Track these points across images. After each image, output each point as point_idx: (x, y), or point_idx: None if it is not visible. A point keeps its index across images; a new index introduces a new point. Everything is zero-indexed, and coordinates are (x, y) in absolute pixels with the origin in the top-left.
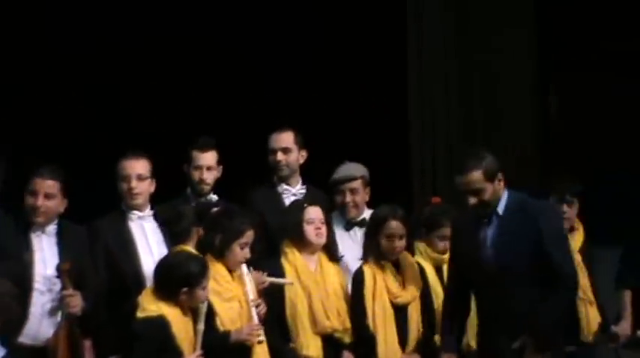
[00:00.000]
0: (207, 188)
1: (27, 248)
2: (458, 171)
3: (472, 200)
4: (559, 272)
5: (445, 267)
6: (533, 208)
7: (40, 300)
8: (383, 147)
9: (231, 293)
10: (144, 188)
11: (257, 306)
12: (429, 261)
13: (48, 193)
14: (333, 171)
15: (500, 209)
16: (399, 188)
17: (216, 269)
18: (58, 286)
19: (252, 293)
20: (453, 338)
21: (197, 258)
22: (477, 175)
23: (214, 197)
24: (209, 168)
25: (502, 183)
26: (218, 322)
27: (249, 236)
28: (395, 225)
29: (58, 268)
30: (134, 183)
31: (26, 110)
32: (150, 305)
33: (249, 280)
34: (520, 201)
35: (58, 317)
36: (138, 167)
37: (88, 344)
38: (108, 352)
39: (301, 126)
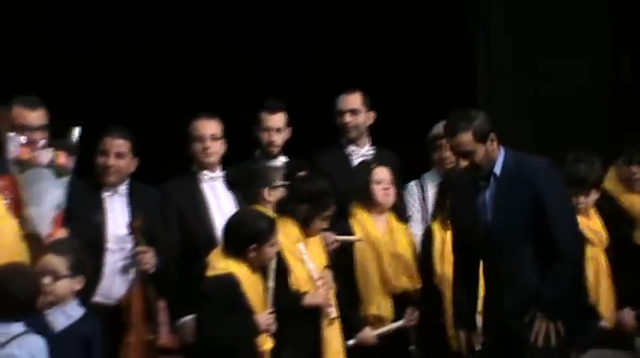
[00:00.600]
0: (276, 150)
1: (99, 208)
2: (447, 133)
3: (463, 163)
4: (558, 244)
5: None
6: (530, 167)
7: (113, 259)
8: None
9: (305, 256)
10: (217, 148)
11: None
12: None
13: (118, 152)
14: (401, 132)
15: (498, 170)
16: None
17: (293, 232)
18: (129, 245)
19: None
20: (466, 314)
21: (265, 216)
22: (466, 137)
23: (283, 159)
24: (278, 130)
25: (495, 144)
26: (292, 279)
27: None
28: None
29: (130, 225)
30: (208, 143)
31: (96, 71)
32: (219, 264)
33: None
34: (516, 159)
35: (132, 275)
36: (211, 127)
37: (162, 304)
38: (181, 313)
39: (370, 87)
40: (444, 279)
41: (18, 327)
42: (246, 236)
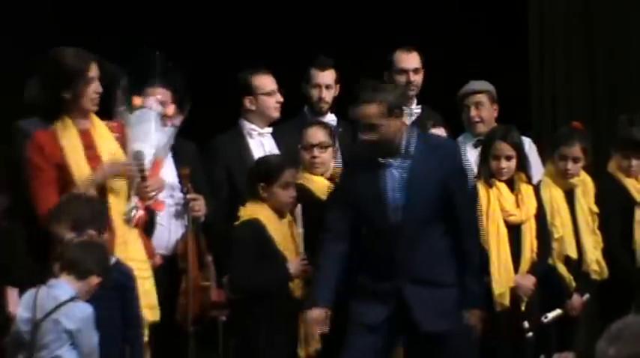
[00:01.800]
0: (325, 106)
1: None
2: (353, 103)
3: (367, 136)
4: (467, 225)
5: (577, 191)
6: (440, 146)
7: (165, 207)
8: (503, 80)
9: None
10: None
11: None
12: (559, 186)
13: (162, 101)
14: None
15: (405, 149)
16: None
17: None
18: (178, 193)
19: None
20: (326, 291)
21: (279, 156)
22: (373, 109)
23: (332, 116)
24: (328, 87)
25: (404, 121)
26: None
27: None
28: (501, 146)
29: (179, 173)
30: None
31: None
32: (245, 211)
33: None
34: (426, 139)
35: (185, 221)
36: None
37: (209, 259)
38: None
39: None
40: (489, 238)
41: (67, 291)
42: (255, 174)
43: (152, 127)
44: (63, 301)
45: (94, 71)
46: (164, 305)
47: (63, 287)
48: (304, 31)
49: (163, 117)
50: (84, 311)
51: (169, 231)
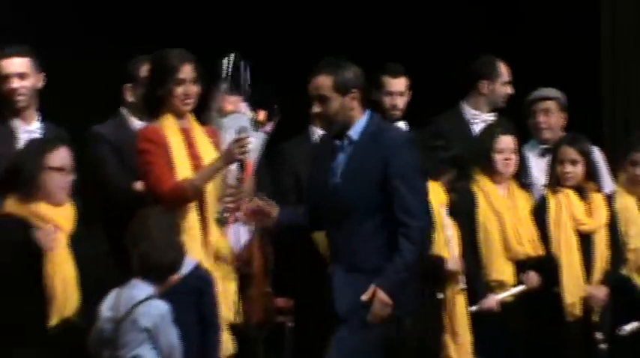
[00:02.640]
0: (398, 114)
1: None
2: (310, 74)
3: (316, 108)
4: (402, 216)
5: None
6: (387, 137)
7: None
8: (574, 88)
9: (445, 221)
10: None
11: None
12: (632, 194)
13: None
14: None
15: (354, 133)
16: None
17: (440, 196)
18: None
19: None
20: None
21: None
22: (326, 81)
23: (403, 123)
24: (400, 94)
25: (356, 103)
26: None
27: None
28: (567, 150)
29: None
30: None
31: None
32: None
33: None
34: (378, 127)
35: (252, 226)
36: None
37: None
38: None
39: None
40: (560, 247)
41: (145, 291)
42: None
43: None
44: (139, 300)
45: (186, 72)
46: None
47: (141, 286)
48: (373, 38)
49: (255, 123)
50: (159, 308)
51: (236, 236)
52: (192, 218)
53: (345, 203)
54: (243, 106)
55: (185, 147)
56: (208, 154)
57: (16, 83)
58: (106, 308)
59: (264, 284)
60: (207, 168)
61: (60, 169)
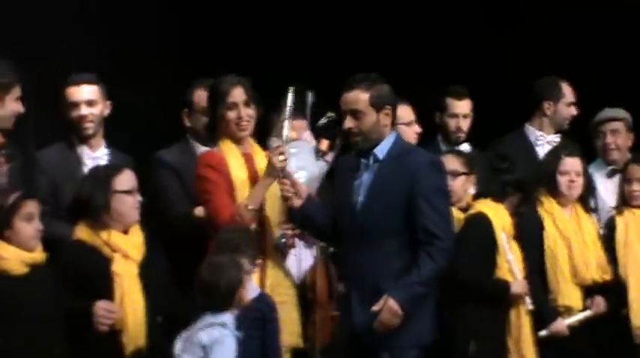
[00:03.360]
0: (462, 136)
1: None
2: (345, 87)
3: (348, 123)
4: (427, 236)
5: None
6: (414, 159)
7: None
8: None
9: (506, 245)
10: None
11: None
12: None
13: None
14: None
15: (380, 152)
16: None
17: (506, 220)
18: None
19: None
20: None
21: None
22: (361, 95)
23: (466, 146)
24: (465, 117)
25: (389, 120)
26: None
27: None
28: (634, 169)
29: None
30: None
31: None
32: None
33: None
34: (404, 148)
35: (314, 251)
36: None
37: (340, 287)
38: None
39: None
40: (628, 269)
41: (213, 318)
42: None
43: (307, 158)
44: (212, 322)
45: (236, 96)
46: None
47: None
48: (435, 60)
49: (317, 152)
50: (222, 333)
51: (300, 259)
52: None
53: (369, 222)
54: (307, 134)
55: (246, 172)
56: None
57: (84, 110)
58: (178, 349)
59: (328, 308)
60: (257, 187)
61: (128, 192)
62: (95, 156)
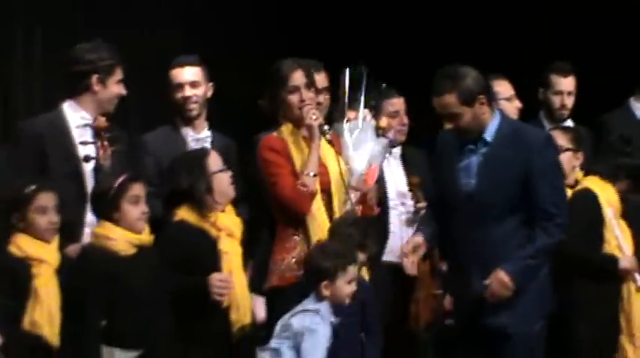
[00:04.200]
0: (566, 113)
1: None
2: (432, 91)
3: (448, 125)
4: (544, 212)
5: None
6: (528, 137)
7: (396, 215)
8: None
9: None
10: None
11: None
12: None
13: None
14: None
15: (489, 135)
16: None
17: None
18: (409, 201)
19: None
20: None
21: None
22: (450, 98)
23: (570, 122)
24: (569, 94)
25: (485, 107)
26: None
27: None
28: None
29: (409, 182)
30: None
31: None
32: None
33: None
34: (515, 128)
35: (414, 229)
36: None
37: (442, 266)
38: None
39: None
40: None
41: (310, 304)
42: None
43: (367, 137)
44: (305, 308)
45: (297, 80)
46: (399, 311)
47: (323, 303)
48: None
49: (377, 129)
50: (314, 321)
51: (402, 238)
52: (321, 219)
53: (484, 204)
54: (365, 113)
55: (305, 153)
56: (330, 160)
57: (188, 91)
58: (279, 329)
59: (431, 287)
60: (310, 154)
61: (222, 170)
62: (199, 137)
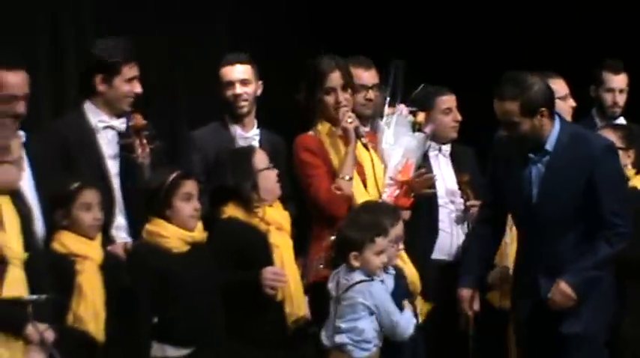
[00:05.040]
0: (618, 111)
1: (428, 166)
2: (496, 95)
3: (506, 131)
4: (606, 222)
5: None
6: (589, 146)
7: (446, 213)
8: None
9: None
10: None
11: None
12: None
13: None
14: None
15: (550, 145)
16: None
17: None
18: (458, 199)
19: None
20: (472, 278)
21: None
22: (512, 106)
23: (622, 120)
24: (621, 91)
25: (546, 119)
26: None
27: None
28: None
29: (458, 180)
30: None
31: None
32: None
33: None
34: (575, 137)
35: (465, 228)
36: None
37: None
38: None
39: None
40: None
41: (360, 275)
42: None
43: (403, 132)
44: (355, 282)
45: (335, 80)
46: (449, 310)
47: (356, 271)
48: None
49: (414, 125)
50: (378, 289)
51: (452, 236)
52: None
53: (549, 214)
54: (402, 108)
55: (342, 153)
56: (366, 158)
57: (239, 89)
58: (330, 280)
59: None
60: (345, 156)
61: (268, 168)
62: (247, 136)
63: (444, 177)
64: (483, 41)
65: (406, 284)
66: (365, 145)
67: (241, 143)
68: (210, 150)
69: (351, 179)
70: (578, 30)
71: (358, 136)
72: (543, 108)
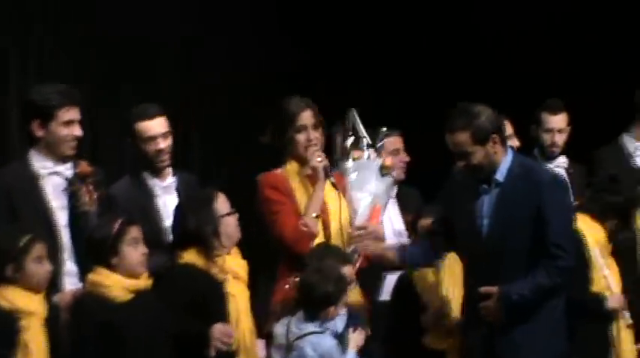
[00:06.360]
0: (557, 151)
1: None
2: (446, 128)
3: (460, 163)
4: (549, 253)
5: None
6: (538, 177)
7: None
8: None
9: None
10: None
11: None
12: None
13: None
14: None
15: (500, 175)
16: None
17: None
18: (404, 239)
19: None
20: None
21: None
22: (463, 137)
23: (563, 159)
24: (560, 131)
25: (498, 146)
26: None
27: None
28: None
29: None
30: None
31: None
32: None
33: None
34: (525, 167)
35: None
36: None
37: None
38: None
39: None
40: None
41: (313, 326)
42: None
43: (371, 176)
44: (306, 332)
45: (305, 119)
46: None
47: (310, 323)
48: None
49: (381, 168)
50: (326, 343)
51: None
52: None
53: (497, 245)
54: (370, 152)
55: (309, 193)
56: (332, 199)
57: (162, 144)
58: (280, 324)
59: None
60: (313, 194)
61: (229, 213)
62: (164, 185)
63: (391, 218)
64: (429, 83)
65: (354, 309)
66: (334, 184)
67: (160, 193)
68: (130, 206)
69: (317, 217)
70: (525, 70)
71: (327, 176)
72: (494, 135)
